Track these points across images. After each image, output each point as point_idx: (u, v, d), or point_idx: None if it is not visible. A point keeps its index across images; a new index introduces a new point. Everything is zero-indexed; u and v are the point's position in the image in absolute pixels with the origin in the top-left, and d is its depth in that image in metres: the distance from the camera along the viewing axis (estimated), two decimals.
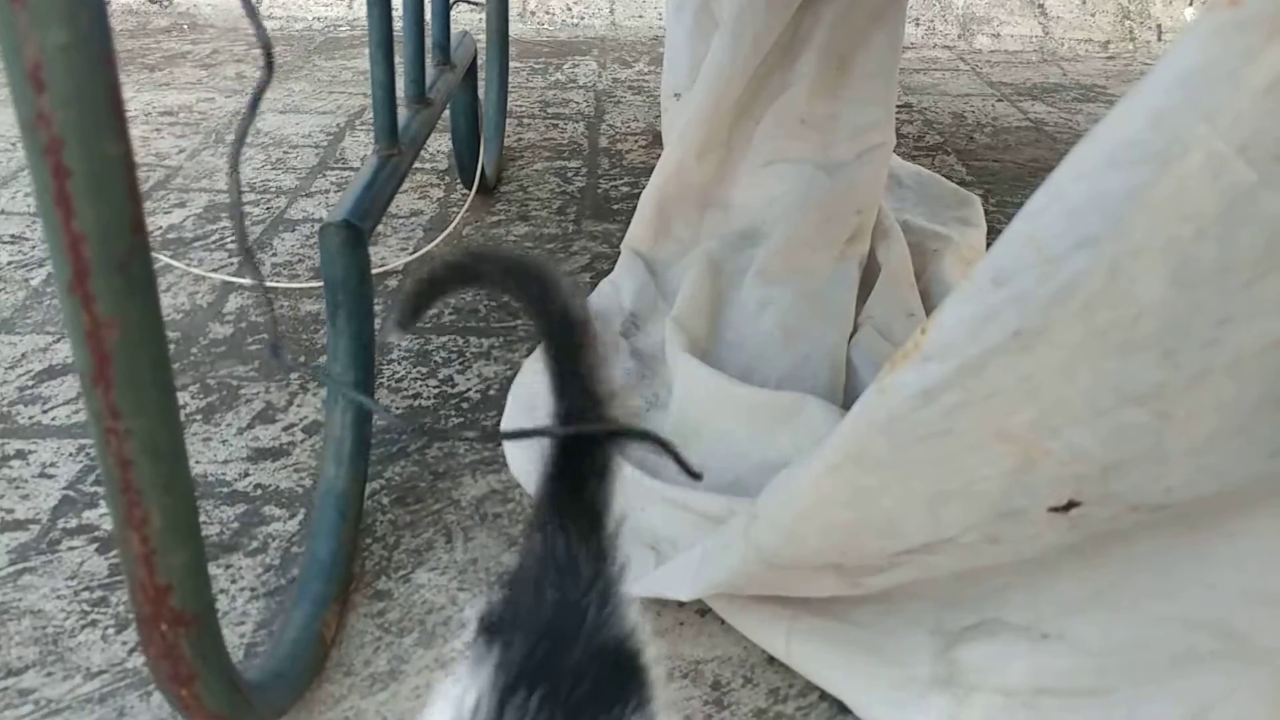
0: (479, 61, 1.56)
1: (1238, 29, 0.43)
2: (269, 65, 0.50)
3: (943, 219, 1.45)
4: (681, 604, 0.82)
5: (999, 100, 2.26)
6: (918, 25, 2.77)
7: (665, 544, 0.83)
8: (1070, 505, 0.58)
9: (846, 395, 1.06)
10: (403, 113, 1.09)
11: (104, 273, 0.45)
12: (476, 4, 1.59)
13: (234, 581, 0.85)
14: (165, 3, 2.67)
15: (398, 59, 1.02)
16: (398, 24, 1.01)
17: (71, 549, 0.88)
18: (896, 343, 1.13)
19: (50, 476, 0.96)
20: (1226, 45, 0.44)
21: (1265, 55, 0.43)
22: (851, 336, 1.15)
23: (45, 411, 1.05)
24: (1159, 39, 2.84)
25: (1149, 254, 0.48)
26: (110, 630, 0.80)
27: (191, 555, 0.55)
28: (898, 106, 1.40)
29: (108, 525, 0.90)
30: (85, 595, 0.83)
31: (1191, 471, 0.55)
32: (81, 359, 0.47)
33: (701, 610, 0.82)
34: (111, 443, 0.49)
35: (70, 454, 0.99)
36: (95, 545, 0.88)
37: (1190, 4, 2.91)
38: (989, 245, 1.41)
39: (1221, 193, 0.46)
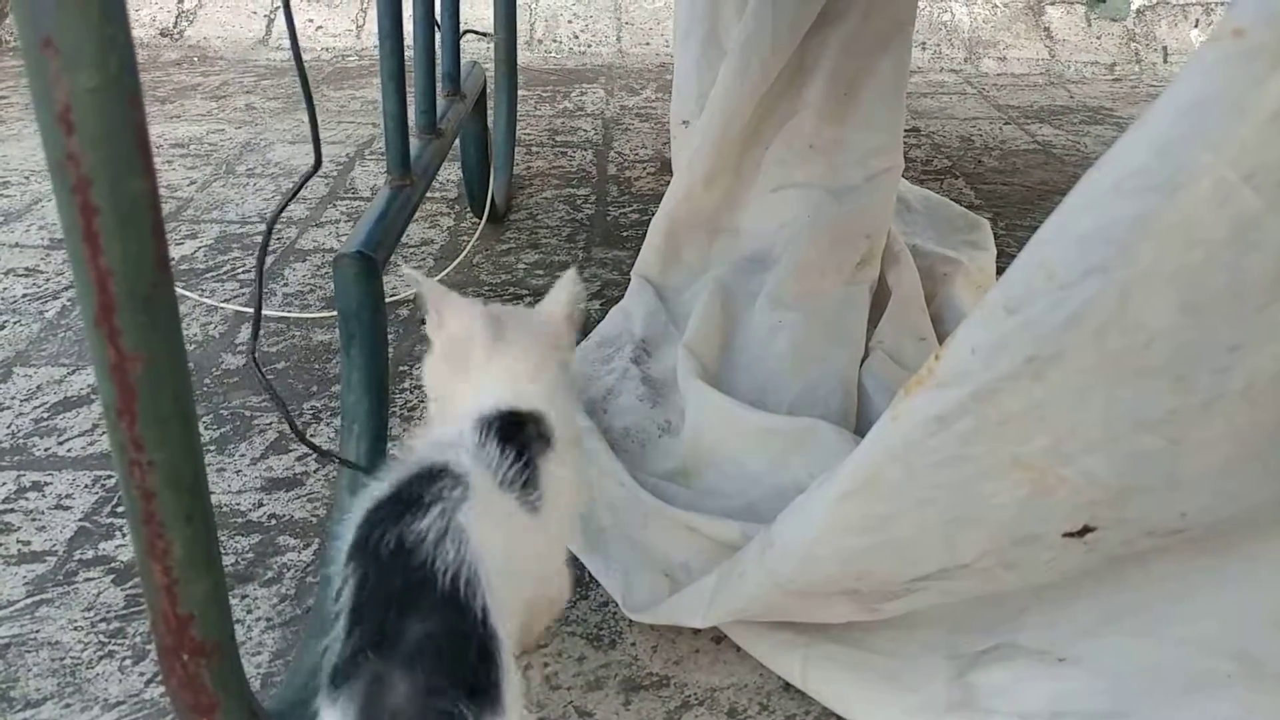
0: (488, 90, 1.57)
1: (1242, 58, 0.44)
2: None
3: (952, 243, 1.46)
4: (696, 631, 0.82)
5: (1006, 123, 2.27)
6: (924, 49, 2.78)
7: (679, 570, 0.83)
8: (1085, 530, 0.58)
9: (859, 420, 1.06)
10: (414, 143, 1.10)
11: (129, 307, 0.46)
12: (485, 35, 1.61)
13: (249, 612, 0.86)
14: (176, 35, 2.71)
15: (408, 89, 1.03)
16: (408, 55, 1.02)
17: (88, 580, 0.88)
18: (907, 367, 1.14)
19: (66, 508, 0.97)
20: (1231, 75, 0.45)
21: (1270, 84, 0.43)
22: (863, 361, 1.15)
23: (61, 443, 1.06)
24: (1164, 61, 2.85)
25: (1159, 281, 0.49)
26: (128, 661, 0.80)
27: (212, 585, 0.55)
28: (905, 130, 1.41)
29: (124, 556, 0.91)
30: (102, 626, 0.83)
31: (1207, 497, 0.55)
32: (106, 392, 0.48)
33: (717, 637, 0.82)
34: (135, 475, 0.50)
35: (86, 485, 1.00)
36: (112, 576, 0.88)
37: (1195, 25, 2.92)
38: (999, 269, 1.42)
39: (1229, 220, 0.47)
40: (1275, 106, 0.44)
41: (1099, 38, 2.89)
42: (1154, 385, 0.52)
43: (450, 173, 1.80)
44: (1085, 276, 0.49)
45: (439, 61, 1.29)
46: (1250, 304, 0.49)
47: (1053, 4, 2.97)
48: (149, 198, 0.44)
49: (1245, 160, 0.45)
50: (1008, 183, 1.88)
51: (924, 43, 2.80)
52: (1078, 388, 0.52)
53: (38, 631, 0.83)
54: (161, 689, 0.77)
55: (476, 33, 1.46)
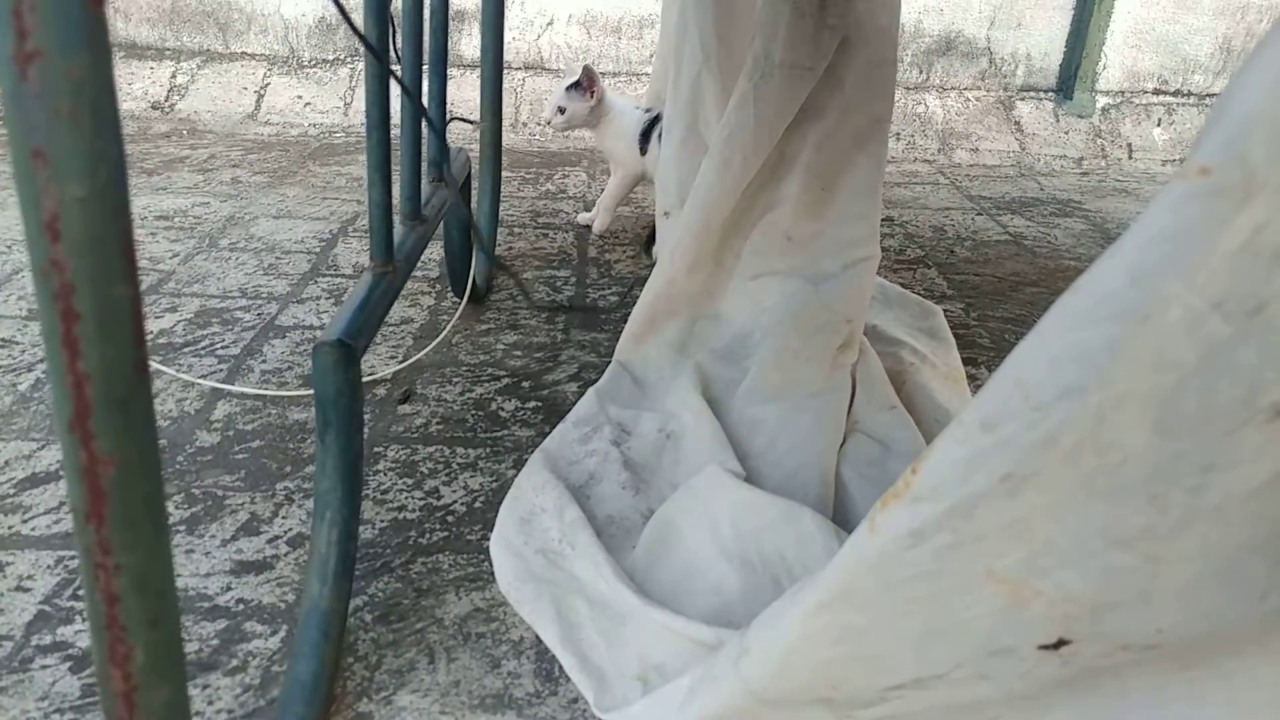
0: (472, 172, 1.59)
1: (1209, 196, 0.45)
2: None
3: (910, 330, 1.48)
4: None
5: (979, 214, 2.32)
6: (898, 139, 2.85)
7: (654, 672, 0.82)
8: (1060, 643, 0.58)
9: (836, 509, 1.06)
10: (398, 230, 1.11)
11: (105, 412, 0.45)
12: (473, 123, 1.64)
13: (210, 703, 0.84)
14: (167, 109, 2.73)
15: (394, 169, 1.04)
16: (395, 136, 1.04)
17: (44, 668, 0.86)
18: (882, 440, 1.15)
19: (26, 590, 0.94)
20: (1199, 211, 0.46)
21: (1236, 221, 0.45)
22: (840, 447, 1.16)
23: (25, 521, 1.04)
24: (1129, 157, 2.93)
25: (1132, 403, 0.49)
26: None
27: (174, 692, 0.54)
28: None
29: (83, 643, 0.88)
30: (56, 718, 0.81)
31: (1181, 613, 0.56)
32: (76, 495, 0.47)
33: None
34: (100, 578, 0.49)
35: (48, 566, 0.98)
36: (69, 664, 0.86)
37: (1158, 124, 3.01)
38: (969, 360, 1.44)
39: (1198, 345, 0.48)
40: (1241, 241, 0.45)
41: (1067, 133, 2.97)
42: (1128, 504, 0.52)
43: (433, 251, 1.81)
44: (1060, 398, 0.50)
45: (425, 148, 1.31)
46: (1221, 426, 0.50)
47: (1023, 99, 3.06)
48: (131, 304, 0.45)
49: (1214, 289, 0.46)
50: (979, 273, 1.91)
51: (899, 133, 2.87)
52: (1053, 505, 0.53)
53: None
54: None
55: (464, 120, 1.49)
